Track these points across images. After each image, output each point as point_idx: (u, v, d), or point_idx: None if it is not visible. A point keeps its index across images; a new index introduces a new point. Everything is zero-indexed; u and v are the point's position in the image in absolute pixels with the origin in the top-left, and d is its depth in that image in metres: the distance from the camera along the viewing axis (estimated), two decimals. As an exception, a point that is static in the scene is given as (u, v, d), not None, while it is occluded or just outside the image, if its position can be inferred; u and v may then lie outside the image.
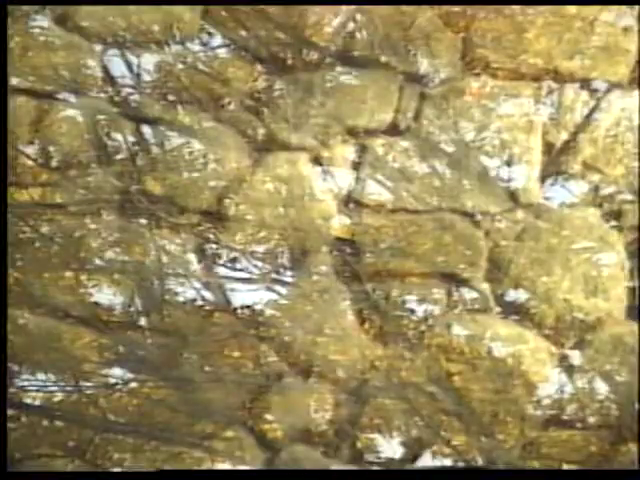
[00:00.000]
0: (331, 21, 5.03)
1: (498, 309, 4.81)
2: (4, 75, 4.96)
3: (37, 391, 5.02)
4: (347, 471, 5.19)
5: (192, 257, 4.97)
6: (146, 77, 5.04)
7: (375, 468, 5.08)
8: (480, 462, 5.05)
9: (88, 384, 5.01)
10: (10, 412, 5.10)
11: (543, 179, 4.86)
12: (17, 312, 4.94)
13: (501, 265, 4.86)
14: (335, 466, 4.94)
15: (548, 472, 4.97)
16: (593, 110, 4.93)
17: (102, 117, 5.00)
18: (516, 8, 5.07)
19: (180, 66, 5.03)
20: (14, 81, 5.10)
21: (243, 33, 5.05)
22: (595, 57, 4.92)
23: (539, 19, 4.96)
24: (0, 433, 4.62)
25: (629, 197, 4.92)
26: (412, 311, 4.91)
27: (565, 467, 5.06)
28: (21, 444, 5.00)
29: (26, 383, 5.01)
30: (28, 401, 4.98)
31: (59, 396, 5.01)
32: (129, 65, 5.05)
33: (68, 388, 5.03)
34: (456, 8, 5.03)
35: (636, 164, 4.95)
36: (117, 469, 5.13)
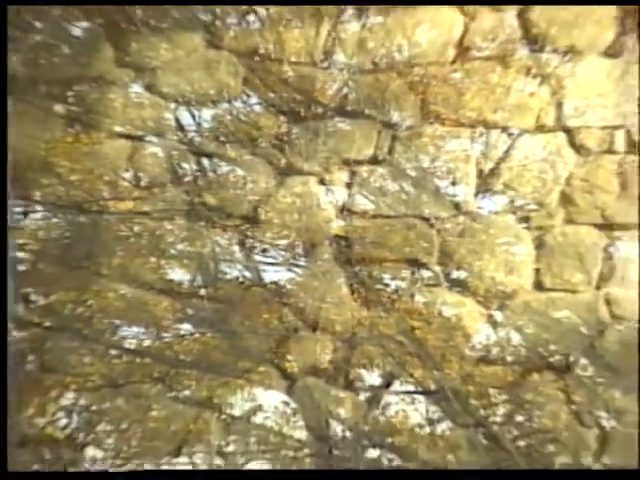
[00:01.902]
0: (331, 86, 5.58)
1: (446, 284, 5.45)
2: (4, 75, 4.88)
3: (132, 339, 5.59)
4: (348, 471, 5.43)
5: (236, 248, 5.61)
6: (205, 125, 5.64)
7: (362, 393, 5.58)
8: (432, 388, 5.52)
9: (166, 334, 5.61)
10: (114, 352, 5.57)
11: (476, 194, 5.48)
12: (120, 285, 5.53)
13: (448, 254, 5.45)
14: (334, 391, 5.48)
15: (548, 472, 5.11)
16: (509, 148, 5.52)
17: (175, 152, 5.60)
18: (457, 79, 5.49)
19: (228, 117, 5.62)
20: (117, 128, 5.62)
21: (271, 95, 5.61)
22: (511, 112, 5.45)
23: (473, 86, 5.53)
24: (0, 433, 4.51)
25: (534, 207, 5.48)
26: (387, 285, 5.52)
27: (491, 392, 5.48)
28: (122, 375, 5.56)
29: (125, 333, 5.65)
30: (126, 346, 5.60)
31: (147, 342, 5.59)
32: (193, 117, 5.64)
33: (153, 337, 5.63)
34: (417, 77, 5.50)
35: (539, 184, 5.54)
36: (186, 391, 5.61)
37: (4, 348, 4.59)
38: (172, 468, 5.69)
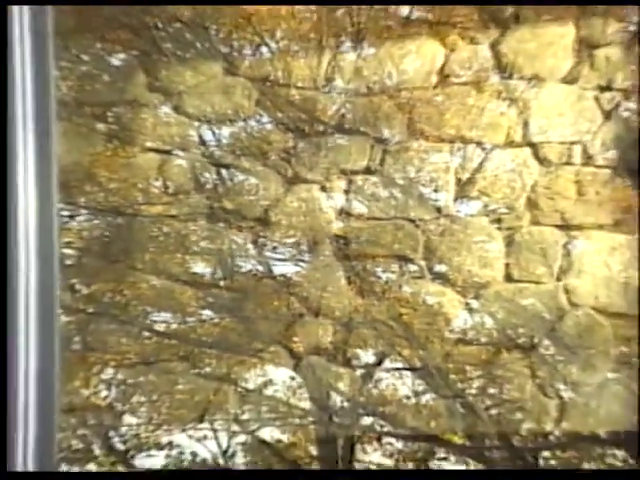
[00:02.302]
0: (331, 107, 5.58)
1: (429, 276, 5.46)
2: (4, 75, 4.68)
3: (161, 323, 5.65)
4: (348, 471, 5.38)
5: (250, 245, 5.63)
6: (223, 140, 5.67)
7: (358, 369, 5.58)
8: (418, 365, 5.51)
9: (190, 319, 5.67)
10: (146, 334, 5.59)
11: (455, 200, 5.48)
12: (151, 277, 5.56)
13: (431, 250, 5.45)
14: (334, 368, 5.48)
15: (548, 472, 4.85)
16: (483, 160, 5.48)
17: (197, 164, 5.60)
18: (439, 102, 5.46)
19: (243, 134, 5.63)
20: (149, 143, 5.57)
21: (280, 114, 5.59)
22: (484, 129, 5.44)
23: (452, 107, 5.43)
24: (0, 433, 4.52)
25: (505, 210, 5.46)
26: (379, 277, 5.56)
27: (467, 368, 5.50)
28: (153, 353, 5.58)
29: (155, 318, 5.65)
30: (156, 329, 5.63)
31: (174, 326, 5.66)
32: (213, 133, 5.67)
33: (179, 321, 5.69)
34: (404, 100, 5.45)
35: (508, 191, 5.45)
36: (207, 368, 5.59)
37: (4, 348, 4.28)
38: (195, 434, 5.71)
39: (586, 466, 5.40)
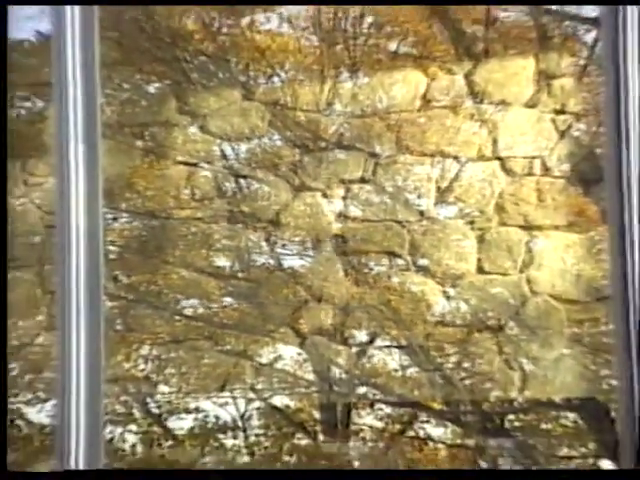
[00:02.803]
0: (331, 127, 5.49)
1: (414, 268, 5.35)
2: (4, 75, 3.93)
3: (189, 308, 5.65)
4: (347, 471, 5.08)
5: (263, 243, 5.56)
6: (241, 155, 5.63)
7: (353, 347, 5.48)
8: (404, 343, 5.40)
9: (214, 305, 5.66)
10: (177, 317, 5.56)
11: (435, 205, 5.36)
12: (180, 270, 5.55)
13: (415, 247, 5.34)
14: (333, 345, 5.40)
15: (548, 472, 4.37)
16: (459, 171, 5.34)
17: (219, 175, 5.57)
18: (422, 122, 5.30)
19: (258, 149, 5.59)
20: (179, 158, 5.52)
21: (288, 133, 5.54)
22: (460, 146, 5.30)
23: (433, 127, 5.30)
24: (0, 433, 3.73)
25: (477, 214, 5.30)
26: (371, 269, 5.46)
27: (445, 346, 5.34)
28: (182, 333, 5.57)
29: (184, 304, 5.64)
30: (185, 312, 5.62)
31: (200, 310, 5.66)
32: (233, 149, 5.62)
33: (204, 307, 5.66)
34: (393, 121, 5.34)
35: (480, 197, 5.27)
36: (228, 346, 5.49)
37: (4, 347, 3.85)
38: (218, 401, 5.73)
39: (542, 426, 5.37)
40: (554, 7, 5.26)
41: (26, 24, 5.02)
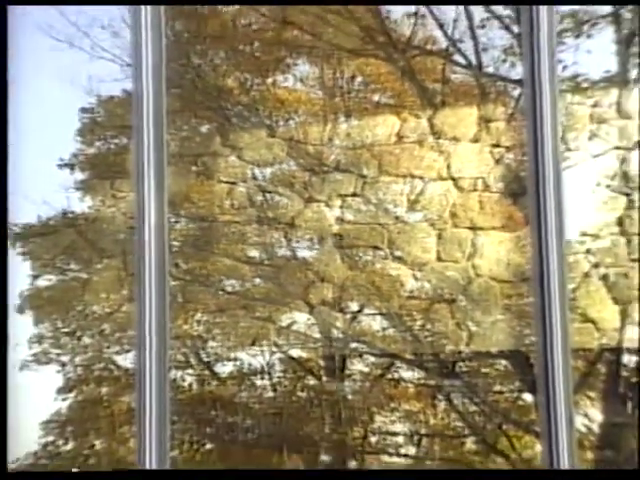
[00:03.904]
0: (331, 156, 5.41)
1: (391, 257, 5.25)
2: (4, 75, 3.33)
3: (229, 286, 5.57)
4: (348, 471, 4.67)
5: (283, 239, 5.51)
6: (267, 176, 5.56)
7: (348, 314, 5.38)
8: (384, 311, 5.30)
9: (247, 284, 5.58)
10: (220, 293, 5.47)
11: (407, 211, 5.27)
12: (223, 259, 5.49)
13: (392, 242, 5.26)
14: (333, 313, 5.31)
15: (547, 472, 3.40)
16: (424, 188, 5.20)
17: (251, 190, 5.46)
18: (397, 153, 5.17)
19: (278, 172, 5.55)
20: (223, 178, 5.38)
21: (301, 160, 5.47)
22: (424, 170, 5.20)
23: (405, 156, 5.18)
24: (0, 433, 3.19)
25: (436, 218, 5.15)
26: (361, 258, 5.38)
27: (414, 314, 5.23)
28: (224, 305, 5.47)
29: (226, 283, 5.51)
30: (227, 289, 5.56)
31: (237, 288, 5.58)
32: (261, 172, 5.55)
33: (240, 285, 5.59)
34: (376, 151, 5.17)
35: (439, 207, 5.13)
36: (257, 312, 5.38)
37: (4, 347, 3.31)
38: (251, 353, 5.62)
39: (483, 370, 5.35)
40: (491, 70, 5.26)
41: (115, 85, 5.18)
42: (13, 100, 3.69)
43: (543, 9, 3.65)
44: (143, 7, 3.93)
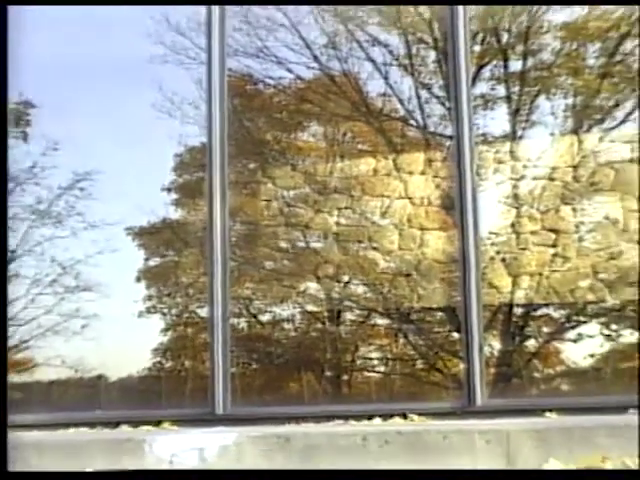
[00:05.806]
0: (332, 183, 5.31)
1: (370, 248, 5.19)
2: (4, 75, 2.39)
3: (267, 266, 5.40)
4: (347, 471, 2.86)
5: (301, 237, 5.37)
6: (291, 196, 5.39)
7: (343, 283, 5.24)
8: (366, 281, 5.13)
9: (278, 265, 5.45)
10: (262, 271, 5.26)
11: (380, 219, 5.19)
12: (263, 248, 5.37)
13: (373, 239, 5.21)
14: (334, 283, 5.17)
15: (547, 472, 2.64)
16: (389, 204, 5.14)
17: (281, 205, 5.37)
18: (372, 181, 5.12)
19: (298, 194, 5.36)
20: (263, 197, 5.25)
21: (313, 186, 5.33)
22: (390, 192, 5.16)
23: (378, 183, 5.15)
24: (0, 433, 2.25)
25: (398, 223, 5.13)
26: (352, 248, 5.25)
27: (384, 283, 5.08)
28: (264, 279, 5.34)
29: (266, 264, 5.37)
30: (266, 269, 5.35)
31: (272, 266, 5.44)
32: (288, 194, 5.39)
33: (274, 265, 5.41)
34: (360, 181, 5.11)
35: (399, 216, 5.10)
36: (285, 282, 5.22)
37: (4, 347, 2.53)
38: (280, 308, 5.36)
39: (427, 319, 5.15)
40: (432, 129, 5.34)
41: (196, 139, 5.28)
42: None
43: (464, 91, 4.15)
44: (213, 90, 4.41)
